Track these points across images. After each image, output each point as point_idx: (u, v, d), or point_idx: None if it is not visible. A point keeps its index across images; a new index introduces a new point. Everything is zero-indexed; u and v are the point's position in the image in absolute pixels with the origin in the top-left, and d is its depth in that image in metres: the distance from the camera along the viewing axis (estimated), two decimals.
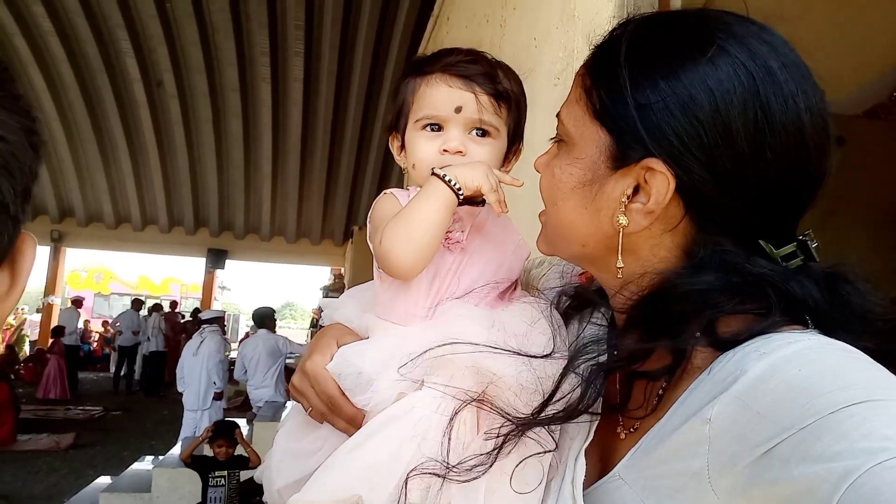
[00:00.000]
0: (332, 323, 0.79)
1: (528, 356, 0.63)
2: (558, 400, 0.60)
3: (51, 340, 11.17)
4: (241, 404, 8.88)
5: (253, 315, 7.23)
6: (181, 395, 6.46)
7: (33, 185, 0.41)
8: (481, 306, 0.70)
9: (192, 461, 4.21)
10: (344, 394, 0.69)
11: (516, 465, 0.60)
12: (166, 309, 13.11)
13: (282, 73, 9.01)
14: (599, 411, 0.62)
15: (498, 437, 0.59)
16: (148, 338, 11.77)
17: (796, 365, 0.48)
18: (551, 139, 0.69)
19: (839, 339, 0.51)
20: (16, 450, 7.28)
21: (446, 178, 0.70)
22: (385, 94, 9.00)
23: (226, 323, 8.44)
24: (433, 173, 0.71)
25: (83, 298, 14.42)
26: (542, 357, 0.64)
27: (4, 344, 13.15)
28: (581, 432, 0.62)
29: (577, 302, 0.75)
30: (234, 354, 11.58)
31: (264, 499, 0.78)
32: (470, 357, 0.64)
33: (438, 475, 0.59)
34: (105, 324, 16.00)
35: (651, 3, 1.38)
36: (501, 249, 0.76)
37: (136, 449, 7.15)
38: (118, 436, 8.26)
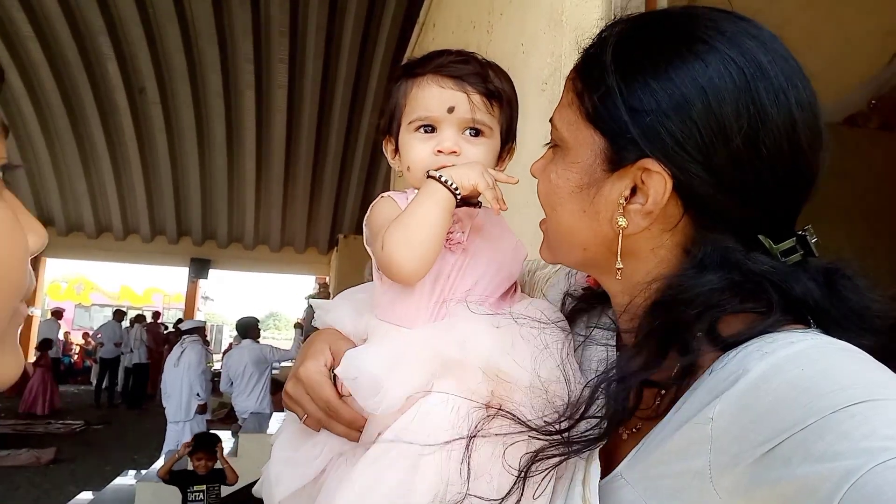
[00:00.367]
0: (325, 328, 0.78)
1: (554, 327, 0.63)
2: (573, 416, 0.59)
3: (37, 354, 10.95)
4: (226, 416, 8.78)
5: (236, 325, 7.17)
6: (164, 407, 6.37)
7: None
8: (485, 307, 0.70)
9: (171, 476, 4.14)
10: (341, 397, 0.69)
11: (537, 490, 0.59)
12: (149, 320, 12.93)
13: (266, 80, 8.99)
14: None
15: (519, 462, 0.59)
16: (130, 349, 11.61)
17: (798, 365, 0.48)
18: (546, 144, 0.69)
19: (840, 337, 0.51)
20: None
21: (442, 179, 0.70)
22: (370, 102, 9.02)
23: (207, 333, 8.33)
24: (429, 175, 0.72)
25: (63, 310, 14.18)
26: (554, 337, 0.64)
27: None
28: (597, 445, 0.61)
29: (583, 303, 0.74)
30: (217, 366, 11.49)
31: None
32: (481, 361, 0.63)
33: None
34: (86, 335, 15.74)
35: (637, 6, 1.39)
36: (501, 250, 0.76)
37: (119, 463, 7.03)
38: (100, 450, 8.12)
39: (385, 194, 0.78)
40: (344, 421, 0.69)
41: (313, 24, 7.83)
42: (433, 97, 0.75)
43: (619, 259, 0.61)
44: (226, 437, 5.90)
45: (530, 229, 0.74)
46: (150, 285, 22.43)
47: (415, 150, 0.77)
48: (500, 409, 0.62)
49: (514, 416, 0.61)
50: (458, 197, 0.70)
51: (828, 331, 0.53)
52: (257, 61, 8.59)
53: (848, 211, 2.61)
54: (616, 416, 0.57)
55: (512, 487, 0.58)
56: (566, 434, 0.58)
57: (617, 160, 0.59)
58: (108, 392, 11.88)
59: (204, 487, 4.05)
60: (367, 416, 0.67)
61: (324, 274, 13.95)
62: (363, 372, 0.65)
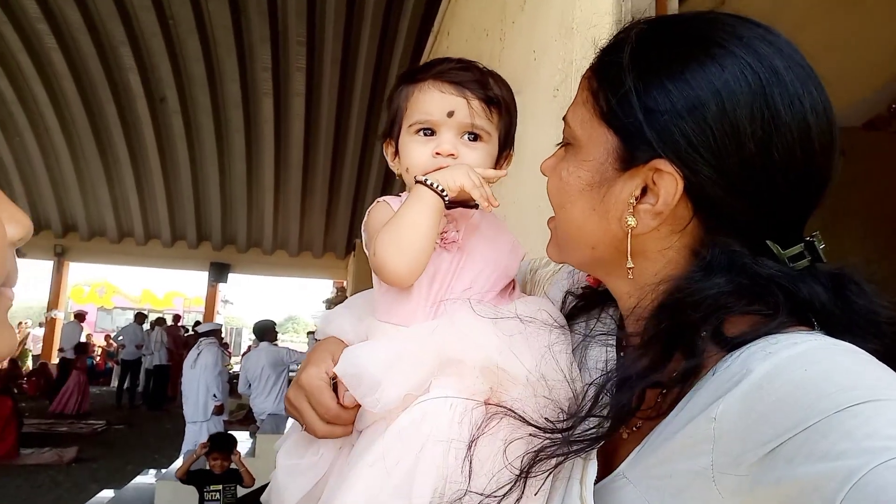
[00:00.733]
0: (327, 337, 0.79)
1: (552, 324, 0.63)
2: (576, 415, 0.60)
3: (75, 356, 11.13)
4: (244, 418, 8.84)
5: (254, 328, 7.21)
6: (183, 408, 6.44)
7: None
8: (482, 305, 0.70)
9: (189, 476, 4.16)
10: (340, 403, 0.69)
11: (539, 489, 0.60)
12: (169, 323, 13.09)
13: (284, 89, 9.06)
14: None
15: (521, 460, 0.59)
16: (151, 352, 11.74)
17: (801, 365, 0.48)
18: (557, 144, 0.69)
19: (845, 341, 0.51)
20: (19, 464, 7.24)
21: (428, 183, 0.71)
22: (386, 108, 9.02)
23: (225, 336, 8.39)
24: (416, 180, 0.73)
25: (86, 313, 14.40)
26: (551, 334, 0.64)
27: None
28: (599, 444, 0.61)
29: (584, 302, 0.75)
30: (236, 368, 11.54)
31: None
32: (480, 358, 0.64)
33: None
34: (108, 338, 15.98)
35: (648, 12, 1.40)
36: (498, 248, 0.77)
37: (139, 463, 7.11)
38: (121, 450, 8.21)
39: (381, 199, 0.79)
40: (344, 423, 0.70)
41: (330, 33, 7.89)
42: (433, 101, 0.77)
43: (629, 259, 0.61)
44: (244, 437, 5.95)
45: (536, 230, 0.75)
46: (171, 289, 22.67)
47: (414, 152, 0.78)
48: (499, 405, 0.62)
49: (515, 413, 0.61)
50: (447, 199, 0.71)
51: (835, 334, 0.52)
52: (275, 70, 8.66)
53: (868, 214, 2.57)
54: (619, 416, 0.57)
55: (513, 485, 0.58)
56: (567, 433, 0.58)
57: (629, 159, 0.59)
58: (130, 393, 12.01)
59: (220, 487, 4.06)
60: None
61: (341, 278, 14.01)
62: (361, 369, 0.66)
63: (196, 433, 6.10)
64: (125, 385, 12.09)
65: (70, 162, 10.88)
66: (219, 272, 13.65)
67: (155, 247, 13.14)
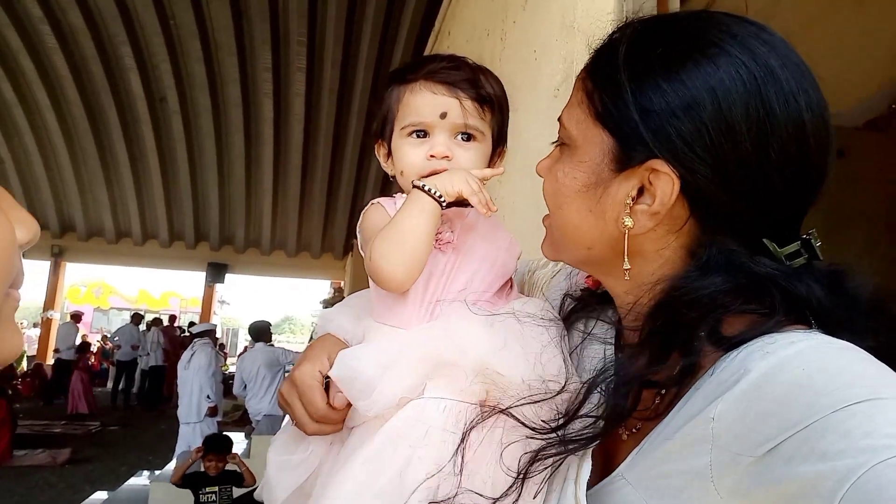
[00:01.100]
0: (324, 334, 0.79)
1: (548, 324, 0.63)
2: (573, 414, 0.59)
3: (77, 356, 11.11)
4: (240, 418, 8.82)
5: (249, 329, 7.25)
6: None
7: None
8: (479, 305, 0.70)
9: (183, 479, 4.15)
10: (330, 403, 0.69)
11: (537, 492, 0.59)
12: (165, 324, 13.07)
13: (284, 89, 9.08)
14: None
15: (518, 463, 0.59)
16: (147, 352, 11.73)
17: (799, 364, 0.48)
18: (553, 143, 0.69)
19: (843, 339, 0.51)
20: (12, 465, 7.22)
21: (426, 188, 0.71)
22: None
23: (221, 337, 8.38)
24: (414, 185, 0.73)
25: (82, 313, 14.36)
26: (548, 335, 0.64)
27: None
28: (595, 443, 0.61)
29: (582, 304, 0.74)
30: (232, 369, 11.51)
31: None
32: (475, 361, 0.64)
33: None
34: (104, 338, 15.95)
35: (650, 11, 1.39)
36: (494, 247, 0.77)
37: (134, 464, 7.10)
38: (115, 451, 8.19)
39: (375, 201, 0.79)
40: (333, 426, 0.70)
41: (331, 34, 7.90)
42: (426, 103, 0.76)
43: (626, 260, 0.61)
44: (239, 438, 5.94)
45: (535, 229, 0.74)
46: (168, 289, 22.66)
47: (407, 155, 0.78)
48: (494, 407, 0.62)
49: (510, 415, 0.61)
50: (444, 205, 0.71)
51: (832, 332, 0.52)
52: (276, 71, 8.67)
53: (869, 214, 2.57)
54: (614, 415, 0.57)
55: (510, 487, 0.58)
56: (561, 432, 0.58)
57: (625, 160, 0.59)
58: (125, 394, 12.01)
59: (216, 489, 4.05)
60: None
61: (339, 278, 14.01)
62: (356, 373, 0.66)
63: (190, 434, 6.08)
64: (120, 386, 12.06)
65: (69, 162, 10.88)
66: (216, 272, 13.65)
67: (152, 247, 13.13)
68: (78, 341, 12.31)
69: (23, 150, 10.63)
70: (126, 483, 5.62)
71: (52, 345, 12.84)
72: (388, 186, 10.77)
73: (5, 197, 0.40)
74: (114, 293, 21.86)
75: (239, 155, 10.52)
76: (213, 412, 6.25)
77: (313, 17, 7.70)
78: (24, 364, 13.89)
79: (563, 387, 0.61)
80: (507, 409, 0.61)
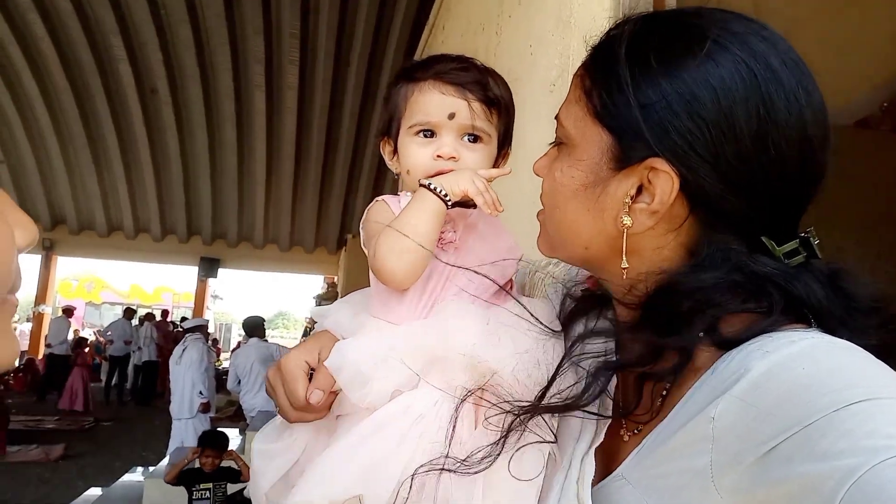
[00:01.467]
0: (322, 330, 0.79)
1: (540, 323, 0.64)
2: (560, 392, 0.60)
3: (76, 352, 11.02)
4: (234, 414, 8.81)
5: (243, 324, 7.22)
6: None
7: None
8: (476, 304, 0.71)
9: (178, 476, 4.13)
10: (308, 402, 0.69)
11: (512, 455, 0.61)
12: (158, 318, 13.01)
13: (276, 81, 9.03)
14: (610, 413, 0.62)
15: (501, 428, 0.60)
16: (140, 347, 11.68)
17: (799, 363, 0.48)
18: (550, 143, 0.69)
19: (842, 337, 0.51)
20: (5, 461, 7.19)
21: (432, 187, 0.72)
22: (379, 103, 9.01)
23: (213, 332, 8.35)
24: (420, 184, 0.73)
25: (74, 308, 14.26)
26: (544, 335, 0.64)
27: None
28: (588, 432, 0.62)
29: (582, 305, 0.74)
30: (226, 364, 11.47)
31: None
32: (464, 351, 0.64)
33: (448, 470, 0.59)
34: (97, 333, 15.86)
35: (646, 7, 1.39)
36: (494, 249, 0.77)
37: (127, 459, 7.08)
38: (109, 446, 8.17)
39: (379, 198, 0.79)
40: (315, 415, 0.70)
41: (324, 26, 7.86)
42: (434, 103, 0.77)
43: (624, 259, 0.60)
44: (233, 434, 5.92)
45: (532, 227, 0.74)
46: (160, 284, 22.55)
47: (414, 154, 0.78)
48: (485, 399, 0.63)
49: (499, 407, 0.61)
50: (450, 205, 0.72)
51: (832, 331, 0.52)
52: (268, 62, 8.62)
53: (859, 214, 2.59)
54: (593, 388, 0.58)
55: (493, 446, 0.59)
56: (538, 402, 0.59)
57: (624, 158, 0.58)
58: (118, 389, 11.97)
59: (210, 485, 4.03)
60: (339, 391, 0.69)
61: (332, 273, 13.99)
62: (351, 364, 0.67)
63: (182, 430, 6.07)
64: (113, 381, 12.01)
65: (59, 155, 10.78)
66: (209, 267, 13.59)
67: (144, 241, 13.06)
68: (70, 336, 12.24)
69: (12, 140, 10.53)
70: (120, 479, 5.59)
71: (43, 339, 12.76)
72: (381, 182, 10.76)
73: (3, 198, 0.40)
74: (106, 288, 21.75)
75: (231, 148, 10.46)
76: (205, 408, 6.23)
77: (306, 9, 7.65)
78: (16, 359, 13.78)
79: (556, 374, 0.61)
80: (496, 403, 0.62)
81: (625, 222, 0.59)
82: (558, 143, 0.67)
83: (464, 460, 0.59)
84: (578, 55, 1.60)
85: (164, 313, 13.92)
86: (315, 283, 16.27)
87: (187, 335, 6.63)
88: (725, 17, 0.58)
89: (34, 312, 13.61)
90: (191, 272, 14.21)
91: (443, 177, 0.74)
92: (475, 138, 0.78)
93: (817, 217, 0.60)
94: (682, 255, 0.60)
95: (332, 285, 13.06)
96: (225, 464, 4.19)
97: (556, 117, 0.66)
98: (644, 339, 0.57)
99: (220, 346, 18.17)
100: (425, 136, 0.78)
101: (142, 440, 8.49)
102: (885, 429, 0.42)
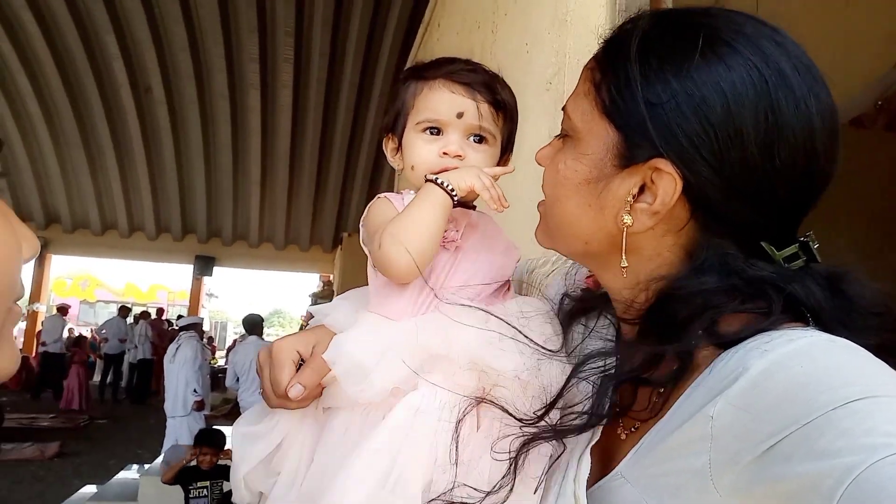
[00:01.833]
0: (319, 324, 0.79)
1: (535, 344, 0.63)
2: (567, 406, 0.60)
3: (72, 350, 10.96)
4: (230, 412, 8.79)
5: (243, 321, 7.22)
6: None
7: None
8: (476, 304, 0.71)
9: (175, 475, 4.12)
10: (283, 394, 0.69)
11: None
12: (153, 316, 12.98)
13: (271, 80, 9.00)
14: (610, 415, 0.61)
15: (510, 452, 0.60)
16: (135, 346, 11.64)
17: (798, 362, 0.48)
18: (556, 136, 0.68)
19: (842, 337, 0.51)
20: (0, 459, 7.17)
21: (440, 182, 0.72)
22: (374, 101, 9.02)
23: (209, 330, 8.33)
24: (427, 179, 0.74)
25: (69, 306, 14.19)
26: (547, 353, 0.64)
27: None
28: (585, 432, 0.62)
29: (581, 305, 0.74)
30: (222, 362, 11.42)
31: (233, 499, 0.78)
32: (468, 353, 0.64)
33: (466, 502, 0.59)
34: (93, 332, 15.80)
35: (642, 5, 1.39)
36: (494, 249, 0.78)
37: (122, 457, 7.05)
38: (104, 444, 8.14)
39: (382, 195, 0.79)
40: (297, 404, 0.70)
41: (318, 24, 7.83)
42: (444, 101, 0.78)
43: (623, 258, 0.60)
44: (230, 432, 5.90)
45: (529, 226, 0.74)
46: (155, 282, 22.46)
47: (420, 150, 0.79)
48: (489, 401, 0.63)
49: (503, 409, 0.61)
50: (456, 199, 0.72)
51: (832, 331, 0.52)
52: (263, 61, 8.59)
53: (853, 213, 2.59)
54: (599, 408, 0.57)
55: (503, 477, 0.59)
56: (547, 419, 0.59)
57: (629, 157, 0.58)
58: (113, 387, 11.92)
59: (207, 483, 4.01)
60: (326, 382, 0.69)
61: (328, 272, 13.96)
62: (350, 358, 0.66)
63: (177, 429, 6.03)
64: (108, 379, 11.96)
65: (53, 153, 10.73)
66: (204, 265, 13.55)
67: (139, 239, 13.02)
68: (65, 334, 12.19)
69: (6, 139, 10.47)
70: (115, 477, 5.57)
71: (37, 337, 12.69)
72: (377, 180, 10.75)
73: (9, 211, 0.41)
74: (100, 286, 21.65)
75: (226, 146, 10.43)
76: (199, 406, 6.18)
77: (300, 7, 7.63)
78: None
79: (562, 392, 0.61)
80: (501, 404, 0.62)
81: (625, 221, 0.59)
82: (563, 135, 0.66)
83: (486, 493, 0.59)
84: (574, 53, 1.61)
85: (160, 311, 13.88)
86: (311, 281, 16.25)
87: (181, 333, 6.59)
88: (739, 20, 0.58)
89: (28, 311, 13.54)
90: (186, 270, 14.17)
91: (449, 172, 0.74)
92: (481, 139, 0.79)
93: (812, 216, 0.60)
94: (681, 257, 0.60)
95: (327, 283, 13.04)
96: (222, 462, 4.17)
97: (564, 108, 0.66)
98: (644, 349, 0.57)
99: (216, 344, 18.12)
100: (432, 133, 0.78)
101: (137, 438, 8.46)
102: (884, 427, 0.42)
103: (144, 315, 12.55)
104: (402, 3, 7.09)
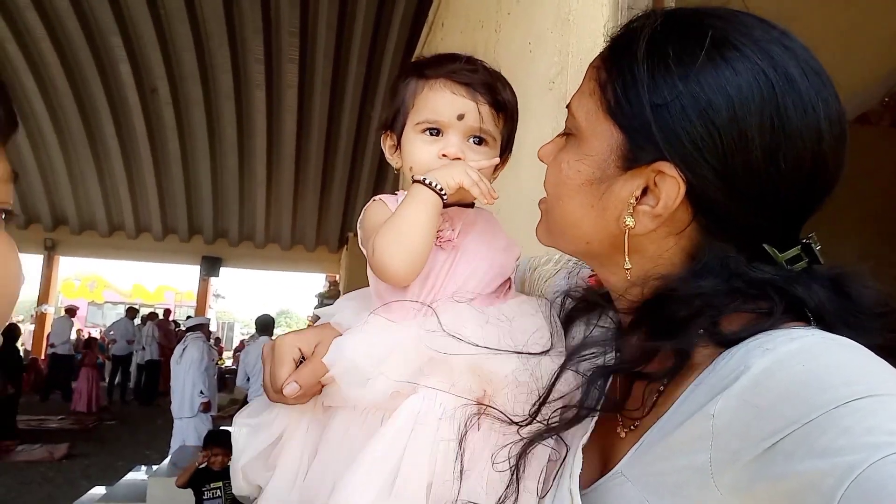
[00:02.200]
0: (325, 323, 0.79)
1: (526, 354, 0.64)
2: (557, 399, 0.60)
3: (83, 352, 11.01)
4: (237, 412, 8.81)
5: (256, 322, 7.32)
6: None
7: None
8: (475, 303, 0.71)
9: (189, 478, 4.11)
10: (280, 390, 0.70)
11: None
12: (161, 317, 13.04)
13: (276, 80, 9.01)
14: (598, 407, 0.61)
15: (509, 457, 0.60)
16: (143, 347, 11.70)
17: (799, 360, 0.48)
18: (561, 134, 0.68)
19: (844, 336, 0.51)
20: (9, 460, 7.21)
21: (427, 182, 0.71)
22: (380, 101, 9.01)
23: (216, 331, 8.39)
24: (414, 180, 0.73)
25: (77, 307, 14.27)
26: (539, 354, 0.64)
27: None
28: (580, 427, 0.62)
29: (583, 304, 0.74)
30: (229, 363, 11.45)
31: (233, 489, 0.79)
32: (467, 358, 0.64)
33: None
34: (101, 333, 15.88)
35: (645, 5, 1.38)
36: (493, 247, 0.77)
37: (131, 459, 7.08)
38: (112, 446, 8.19)
39: (377, 197, 0.79)
40: (294, 399, 0.70)
41: (323, 24, 7.84)
42: (445, 102, 0.76)
43: (627, 259, 0.60)
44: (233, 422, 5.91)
45: (530, 224, 0.74)
46: (162, 283, 22.58)
47: (419, 152, 0.78)
48: (487, 406, 0.63)
49: (502, 413, 0.61)
50: (445, 198, 0.71)
51: (835, 331, 0.52)
52: (268, 61, 8.60)
53: (860, 210, 2.58)
54: (590, 398, 0.57)
55: (507, 488, 0.59)
56: (537, 417, 0.59)
57: (632, 159, 0.58)
58: (121, 388, 11.99)
59: (220, 484, 3.98)
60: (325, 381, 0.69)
61: (334, 272, 13.99)
62: (349, 361, 0.67)
63: (183, 430, 6.04)
64: (116, 380, 12.02)
65: (60, 155, 10.78)
66: (210, 266, 13.60)
67: (146, 240, 13.07)
68: (73, 336, 12.25)
69: (13, 142, 10.51)
70: (124, 478, 5.60)
71: (46, 339, 12.77)
72: (382, 179, 10.75)
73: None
74: (108, 287, 21.79)
75: (231, 147, 10.45)
76: (206, 408, 6.18)
77: (305, 7, 7.63)
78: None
79: (554, 383, 0.61)
80: (500, 408, 0.62)
81: (627, 223, 0.59)
82: (567, 133, 0.66)
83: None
84: (577, 53, 1.60)
85: (167, 312, 13.94)
86: (317, 281, 16.29)
87: (188, 334, 6.61)
88: (749, 22, 0.57)
89: (37, 312, 13.63)
90: (193, 271, 14.22)
91: (436, 171, 0.73)
92: (480, 141, 0.78)
93: (816, 216, 0.59)
94: (682, 260, 0.59)
95: (334, 284, 13.06)
96: None
97: (568, 106, 0.66)
98: (636, 342, 0.57)
99: (223, 344, 18.19)
100: (431, 134, 0.77)
101: (145, 439, 8.50)
102: (886, 425, 0.41)
103: (152, 316, 12.61)
104: (406, 3, 7.09)
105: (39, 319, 13.47)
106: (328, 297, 11.41)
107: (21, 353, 10.23)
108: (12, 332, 9.54)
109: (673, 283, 0.57)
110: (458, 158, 0.76)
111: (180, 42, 8.51)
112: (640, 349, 0.57)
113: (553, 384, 0.60)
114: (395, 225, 0.70)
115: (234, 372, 11.65)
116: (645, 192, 0.58)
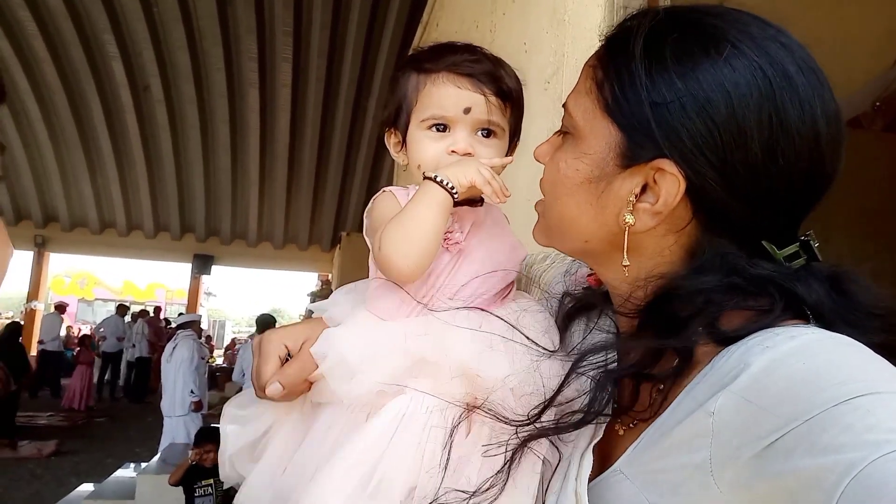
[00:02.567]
0: (316, 317, 0.78)
1: (532, 343, 0.63)
2: (563, 403, 0.60)
3: (78, 350, 10.92)
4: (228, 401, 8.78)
5: (256, 321, 7.40)
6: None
7: None
8: (475, 304, 0.70)
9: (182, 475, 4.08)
10: (264, 390, 0.69)
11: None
12: (151, 315, 12.97)
13: (270, 79, 8.98)
14: (609, 412, 0.61)
15: (506, 451, 0.59)
16: (133, 344, 11.63)
17: (800, 358, 0.48)
18: (557, 133, 0.68)
19: (844, 334, 0.51)
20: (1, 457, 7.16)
21: (438, 180, 0.69)
22: (373, 100, 9.01)
23: (207, 329, 8.42)
24: (425, 177, 0.71)
25: (67, 304, 14.16)
26: (548, 353, 0.63)
27: None
28: (587, 430, 0.61)
29: (582, 303, 0.73)
30: (219, 360, 11.40)
31: (220, 476, 0.79)
32: (457, 362, 0.63)
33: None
34: (91, 330, 15.77)
35: (640, 4, 1.39)
36: (498, 250, 0.76)
37: (120, 456, 7.04)
38: (102, 443, 8.13)
39: (387, 189, 0.77)
40: (282, 396, 0.70)
41: (317, 23, 7.82)
42: (449, 97, 0.74)
43: (625, 256, 0.60)
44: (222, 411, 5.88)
45: (527, 223, 0.74)
46: (153, 280, 22.46)
47: (427, 149, 0.76)
48: (479, 409, 0.62)
49: (494, 415, 0.61)
50: (456, 197, 0.70)
51: (835, 329, 0.52)
52: (261, 60, 8.57)
53: (852, 213, 2.59)
54: (599, 402, 0.57)
55: (498, 471, 0.59)
56: (539, 420, 0.58)
57: (631, 156, 0.58)
58: (111, 386, 11.91)
59: (212, 481, 3.96)
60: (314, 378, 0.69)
61: (326, 271, 13.96)
62: (337, 355, 0.66)
63: (174, 428, 5.99)
64: (106, 377, 11.94)
65: (52, 151, 10.70)
66: (202, 264, 13.53)
67: (137, 238, 12.99)
68: (63, 333, 12.16)
69: (4, 137, 10.43)
70: (113, 475, 5.56)
71: (35, 336, 12.66)
72: (376, 179, 10.73)
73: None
74: (98, 284, 21.64)
75: (224, 145, 10.41)
76: (198, 407, 6.12)
77: (299, 6, 7.61)
78: None
79: (560, 388, 0.61)
80: (491, 410, 0.61)
81: (627, 220, 0.59)
82: (563, 132, 0.65)
83: (472, 493, 0.59)
84: (573, 53, 1.61)
85: (157, 310, 13.85)
86: (309, 280, 16.25)
87: (178, 332, 6.54)
88: (745, 20, 0.57)
89: (26, 309, 13.51)
90: (184, 269, 14.15)
91: (448, 168, 0.71)
92: (489, 133, 0.76)
93: (809, 217, 0.60)
94: (682, 257, 0.60)
95: (326, 283, 13.03)
96: None
97: (564, 105, 0.65)
98: (643, 344, 0.57)
99: (214, 342, 18.11)
100: (438, 130, 0.75)
101: (134, 436, 8.46)
102: (886, 423, 0.41)
103: (142, 313, 12.53)
104: (401, 3, 7.08)
105: (29, 316, 13.34)
106: (320, 295, 11.38)
107: (26, 351, 10.12)
108: (17, 329, 9.48)
109: (675, 282, 0.57)
110: (469, 154, 0.74)
111: (173, 40, 8.47)
112: (647, 350, 0.57)
113: (561, 388, 0.59)
114: (404, 222, 0.69)
115: (225, 370, 11.62)
116: (644, 189, 0.58)
